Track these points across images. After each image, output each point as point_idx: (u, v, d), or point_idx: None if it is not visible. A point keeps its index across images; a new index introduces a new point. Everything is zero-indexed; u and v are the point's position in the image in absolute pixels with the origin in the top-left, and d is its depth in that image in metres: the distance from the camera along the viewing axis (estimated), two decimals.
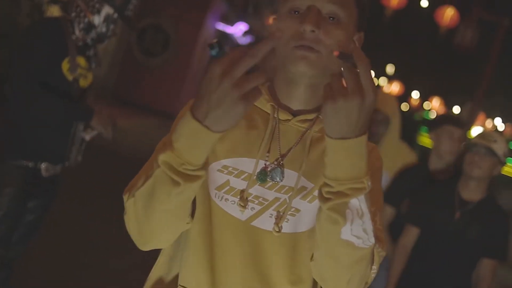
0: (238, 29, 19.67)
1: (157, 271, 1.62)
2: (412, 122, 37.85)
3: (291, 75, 1.49)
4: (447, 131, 4.02)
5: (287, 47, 1.45)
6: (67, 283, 4.40)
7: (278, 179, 1.48)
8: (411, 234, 3.71)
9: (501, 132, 32.67)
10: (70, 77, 3.18)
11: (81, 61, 3.24)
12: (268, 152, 1.50)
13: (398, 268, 3.72)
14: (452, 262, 3.60)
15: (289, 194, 1.48)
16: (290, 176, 1.49)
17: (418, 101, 31.47)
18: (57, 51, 3.14)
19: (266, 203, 1.49)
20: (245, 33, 23.84)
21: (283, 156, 1.50)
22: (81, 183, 6.16)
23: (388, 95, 5.60)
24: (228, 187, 1.49)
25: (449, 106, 29.23)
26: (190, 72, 16.76)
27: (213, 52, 1.22)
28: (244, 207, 1.48)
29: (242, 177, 1.49)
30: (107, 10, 3.23)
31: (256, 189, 1.48)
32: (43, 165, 3.19)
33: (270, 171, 1.48)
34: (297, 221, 1.49)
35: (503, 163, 3.56)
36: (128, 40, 18.73)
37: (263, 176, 1.48)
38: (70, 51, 3.16)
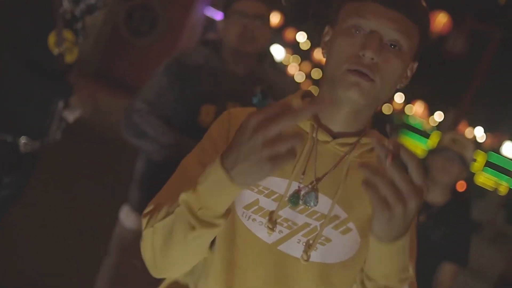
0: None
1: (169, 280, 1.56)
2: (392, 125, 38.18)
3: (338, 98, 1.39)
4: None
5: (340, 68, 1.36)
6: (50, 267, 4.31)
7: (312, 204, 1.40)
8: None
9: (479, 142, 33.05)
10: (55, 51, 3.03)
11: (68, 34, 3.08)
12: (303, 173, 1.41)
13: None
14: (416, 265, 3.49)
15: (321, 221, 1.40)
16: (324, 202, 1.40)
17: (402, 105, 31.66)
18: (43, 23, 2.98)
19: (296, 227, 1.40)
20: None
21: (318, 179, 1.41)
22: (62, 164, 6.02)
23: None
24: (257, 206, 1.40)
25: (432, 111, 29.43)
26: (177, 53, 16.70)
27: (255, 101, 1.12)
28: (272, 229, 1.39)
29: (273, 197, 1.40)
30: None
31: (286, 212, 1.40)
32: (21, 140, 3.06)
33: (303, 194, 1.40)
34: (327, 251, 1.40)
35: (469, 169, 3.57)
36: (116, 18, 18.57)
37: (295, 199, 1.40)
38: (57, 24, 3.01)
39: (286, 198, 1.39)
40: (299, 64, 36.28)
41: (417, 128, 34.34)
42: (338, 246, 1.41)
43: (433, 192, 3.56)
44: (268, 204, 1.40)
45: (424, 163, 3.87)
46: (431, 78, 28.07)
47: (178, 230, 1.22)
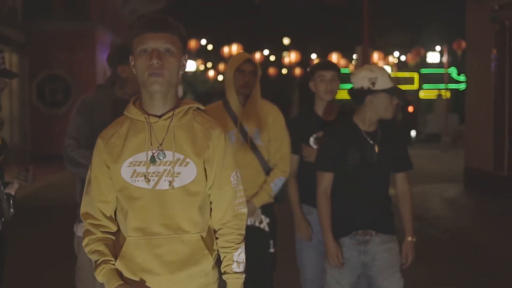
0: None
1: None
2: None
3: (149, 93, 2.43)
4: (319, 75, 4.40)
5: (144, 75, 2.39)
6: None
7: (161, 157, 2.43)
8: (327, 179, 3.96)
9: (405, 63, 34.03)
10: None
11: None
12: (151, 144, 2.44)
13: (326, 214, 3.95)
14: (376, 188, 3.98)
15: (172, 165, 2.43)
16: (169, 154, 2.43)
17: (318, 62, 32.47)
18: None
19: (160, 173, 2.43)
20: None
21: (160, 144, 2.43)
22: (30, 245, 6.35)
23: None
24: (136, 173, 2.44)
25: (348, 57, 30.22)
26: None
27: None
28: (148, 180, 2.43)
29: (142, 164, 2.44)
30: None
31: (152, 168, 2.43)
32: None
33: (156, 155, 2.43)
34: (181, 179, 2.44)
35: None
36: (29, 96, 18.80)
37: (153, 159, 2.43)
38: None
39: (148, 161, 2.44)
40: (215, 67, 36.70)
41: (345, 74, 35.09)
42: (186, 173, 2.45)
43: (371, 121, 3.90)
44: (141, 169, 2.44)
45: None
46: (334, 30, 29.04)
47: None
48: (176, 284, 2.45)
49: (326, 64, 4.60)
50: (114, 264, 2.44)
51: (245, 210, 2.61)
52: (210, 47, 34.12)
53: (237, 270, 2.51)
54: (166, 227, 2.43)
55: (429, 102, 41.14)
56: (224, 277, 2.53)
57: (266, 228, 4.39)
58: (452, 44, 26.53)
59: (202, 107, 2.56)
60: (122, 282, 2.40)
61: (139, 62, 2.39)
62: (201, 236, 2.48)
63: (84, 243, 2.49)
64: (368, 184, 3.92)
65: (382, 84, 3.83)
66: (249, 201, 4.13)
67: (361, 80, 3.89)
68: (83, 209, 2.53)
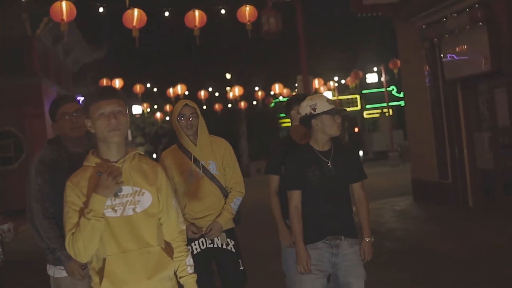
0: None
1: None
2: (270, 111, 39.54)
3: (108, 144, 3.20)
4: (296, 110, 5.18)
5: (104, 132, 3.15)
6: None
7: (119, 192, 3.17)
8: (296, 196, 4.58)
9: (348, 86, 34.93)
10: None
11: None
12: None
13: (297, 227, 4.55)
14: (338, 198, 4.59)
15: (132, 196, 3.21)
16: (128, 189, 3.21)
17: (263, 94, 33.14)
18: None
19: (124, 203, 3.18)
20: None
21: (120, 183, 3.13)
22: None
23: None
24: (106, 205, 3.14)
25: (290, 87, 30.98)
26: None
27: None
28: (115, 211, 3.17)
29: (109, 198, 3.15)
30: None
31: (117, 201, 3.17)
32: None
33: (117, 190, 3.15)
34: (141, 204, 3.22)
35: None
36: None
37: (115, 195, 3.16)
38: None
39: (112, 196, 3.16)
40: (162, 108, 37.03)
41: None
42: (144, 200, 3.24)
43: (321, 143, 4.54)
44: (108, 202, 3.13)
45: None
46: (272, 61, 29.74)
47: (83, 228, 3.04)
48: (154, 287, 3.21)
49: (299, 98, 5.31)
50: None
51: (184, 227, 3.47)
52: (155, 89, 34.50)
53: (191, 272, 3.36)
54: (136, 244, 3.18)
55: (373, 121, 42.22)
56: (181, 280, 3.34)
57: (233, 249, 5.04)
58: (388, 64, 27.57)
59: (142, 153, 3.41)
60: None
61: (99, 122, 3.16)
62: (161, 247, 3.27)
63: (68, 236, 3.12)
64: (332, 196, 4.56)
65: (322, 107, 4.50)
66: (215, 221, 4.92)
67: (305, 109, 4.58)
68: (68, 228, 3.15)
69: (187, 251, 3.40)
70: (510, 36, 10.61)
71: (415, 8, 13.20)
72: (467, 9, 11.19)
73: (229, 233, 5.05)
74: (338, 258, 4.55)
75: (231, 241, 5.04)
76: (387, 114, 34.81)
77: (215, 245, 4.97)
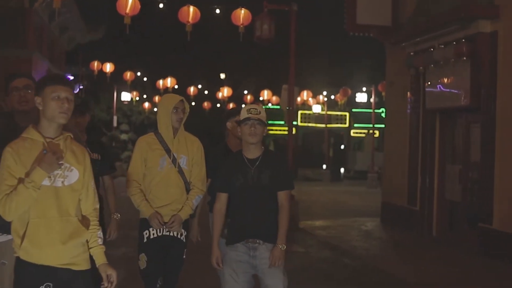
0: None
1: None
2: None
3: (53, 123, 3.64)
4: (231, 122, 6.02)
5: (55, 112, 3.60)
6: None
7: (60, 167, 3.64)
8: (222, 199, 4.95)
9: (337, 102, 35.12)
10: None
11: None
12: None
13: (216, 227, 4.95)
14: (260, 204, 4.83)
15: (63, 170, 3.65)
16: (65, 164, 3.66)
17: (252, 98, 33.32)
18: None
19: (55, 174, 3.61)
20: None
21: (60, 163, 3.61)
22: None
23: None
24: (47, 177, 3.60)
25: (279, 94, 31.15)
26: None
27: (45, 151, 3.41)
28: (50, 179, 3.60)
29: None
30: None
31: (53, 173, 3.62)
32: None
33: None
34: (69, 179, 3.68)
35: (267, 126, 4.94)
36: None
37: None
38: None
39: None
40: (151, 98, 37.10)
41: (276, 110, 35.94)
42: (72, 176, 3.70)
43: (250, 151, 4.85)
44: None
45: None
46: (263, 67, 29.97)
47: (20, 194, 3.47)
48: (67, 251, 3.63)
49: (235, 111, 6.04)
50: None
51: (98, 205, 3.90)
52: (145, 79, 34.57)
53: (101, 243, 3.81)
54: (58, 212, 3.63)
55: (359, 140, 42.47)
56: (91, 250, 3.77)
57: (184, 239, 5.39)
58: (378, 86, 27.78)
59: (72, 136, 3.84)
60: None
61: (53, 103, 3.60)
62: (78, 218, 3.72)
63: (1, 195, 3.53)
64: (253, 201, 4.82)
65: (242, 116, 4.87)
66: (177, 214, 5.25)
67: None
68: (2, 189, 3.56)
69: (98, 226, 3.85)
70: (491, 74, 10.80)
71: (405, 35, 13.38)
72: (454, 42, 11.35)
73: (184, 224, 5.36)
74: (256, 261, 4.79)
75: (184, 232, 5.37)
76: (375, 135, 34.98)
77: (171, 234, 5.28)
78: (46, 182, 3.59)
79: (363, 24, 14.36)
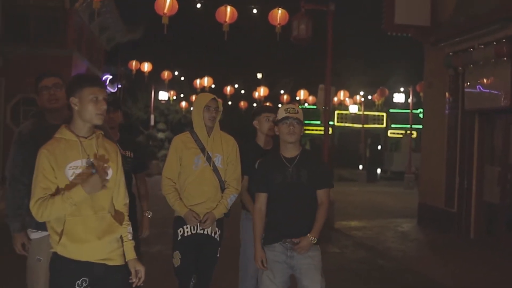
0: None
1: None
2: None
3: (88, 123, 3.74)
4: (265, 116, 5.84)
5: (92, 114, 3.70)
6: None
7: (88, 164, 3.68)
8: (261, 199, 4.90)
9: (374, 103, 34.91)
10: None
11: None
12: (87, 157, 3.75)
13: (257, 228, 4.87)
14: (298, 203, 4.79)
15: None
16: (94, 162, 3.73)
17: (288, 98, 33.29)
18: None
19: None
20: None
21: (88, 155, 3.71)
22: None
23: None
24: (75, 174, 3.67)
25: (314, 93, 31.09)
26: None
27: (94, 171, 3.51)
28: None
29: (78, 168, 3.68)
30: None
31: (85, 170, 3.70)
32: None
33: (86, 162, 3.69)
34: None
35: (304, 125, 4.92)
36: (4, 118, 19.11)
37: (89, 164, 3.69)
38: None
39: (85, 165, 3.73)
40: (188, 98, 37.30)
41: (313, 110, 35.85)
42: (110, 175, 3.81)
43: (288, 150, 4.84)
44: (78, 171, 3.69)
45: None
46: (300, 67, 29.89)
47: (56, 204, 3.56)
48: (103, 247, 3.73)
49: (270, 108, 5.99)
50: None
51: (128, 201, 4.00)
52: (182, 78, 34.77)
53: (131, 238, 3.91)
54: (92, 209, 3.71)
55: (396, 141, 42.13)
56: (124, 244, 3.86)
57: (218, 238, 5.41)
58: (416, 86, 27.52)
59: (103, 133, 3.91)
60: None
61: (91, 105, 3.69)
62: (111, 214, 3.80)
63: (35, 199, 3.60)
64: (292, 200, 4.77)
65: (279, 115, 4.89)
66: (210, 212, 5.26)
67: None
68: (36, 192, 3.64)
69: (128, 221, 3.95)
70: None
71: (445, 35, 13.22)
72: (494, 42, 11.19)
73: (218, 223, 5.39)
74: (293, 261, 4.75)
75: (218, 230, 5.39)
76: (413, 136, 34.63)
77: (205, 232, 5.31)
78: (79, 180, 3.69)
79: (402, 24, 14.23)
